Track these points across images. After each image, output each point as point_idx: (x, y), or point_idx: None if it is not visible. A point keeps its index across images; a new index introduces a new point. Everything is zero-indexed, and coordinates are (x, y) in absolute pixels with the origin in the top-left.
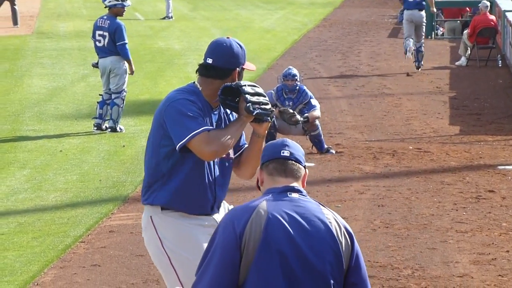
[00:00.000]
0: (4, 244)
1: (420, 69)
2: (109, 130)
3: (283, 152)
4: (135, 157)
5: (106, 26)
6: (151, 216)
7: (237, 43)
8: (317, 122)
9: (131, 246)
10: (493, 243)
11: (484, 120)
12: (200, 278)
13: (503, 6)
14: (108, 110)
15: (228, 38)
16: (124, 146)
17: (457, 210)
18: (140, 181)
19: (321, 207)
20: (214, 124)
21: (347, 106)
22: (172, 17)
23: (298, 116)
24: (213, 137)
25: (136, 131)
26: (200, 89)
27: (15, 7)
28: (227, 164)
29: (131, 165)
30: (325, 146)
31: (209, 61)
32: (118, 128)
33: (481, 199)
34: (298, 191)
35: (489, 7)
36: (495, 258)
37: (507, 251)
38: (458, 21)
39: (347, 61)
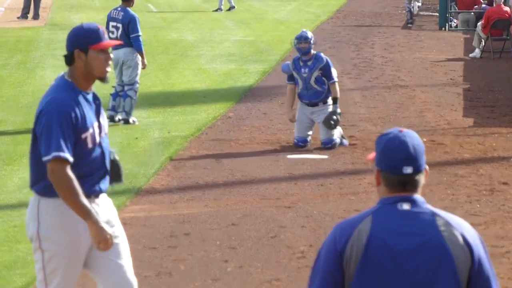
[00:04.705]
0: (16, 236)
1: (411, 24)
2: (122, 122)
3: (405, 170)
4: (148, 149)
5: (120, 18)
6: None
7: (84, 25)
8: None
9: (143, 238)
10: (506, 236)
11: (498, 112)
12: None
13: None
14: (121, 102)
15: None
16: (137, 138)
17: (470, 203)
18: (153, 173)
19: (436, 217)
20: (94, 107)
21: (361, 98)
22: (234, 7)
23: (333, 119)
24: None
25: (149, 123)
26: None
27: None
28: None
29: (144, 157)
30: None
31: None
32: (131, 120)
33: (495, 192)
34: (411, 201)
35: None
36: (509, 251)
37: None
38: (472, 13)
39: (360, 53)
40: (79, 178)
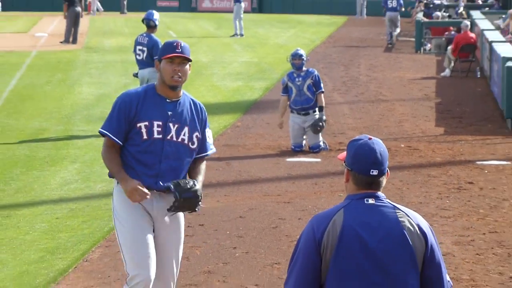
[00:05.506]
0: (58, 226)
1: (391, 45)
2: None
3: (372, 172)
4: None
5: (145, 42)
6: None
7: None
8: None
9: None
10: (471, 227)
11: (465, 122)
12: (288, 280)
13: (481, 25)
14: None
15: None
16: None
17: (441, 199)
18: None
19: (396, 210)
20: (168, 113)
21: (349, 110)
22: (243, 35)
23: (319, 125)
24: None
25: None
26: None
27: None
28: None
29: None
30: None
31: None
32: None
33: (462, 190)
34: (375, 197)
35: (469, 26)
36: (473, 240)
37: (483, 234)
38: (443, 38)
39: (348, 72)
40: (139, 164)
